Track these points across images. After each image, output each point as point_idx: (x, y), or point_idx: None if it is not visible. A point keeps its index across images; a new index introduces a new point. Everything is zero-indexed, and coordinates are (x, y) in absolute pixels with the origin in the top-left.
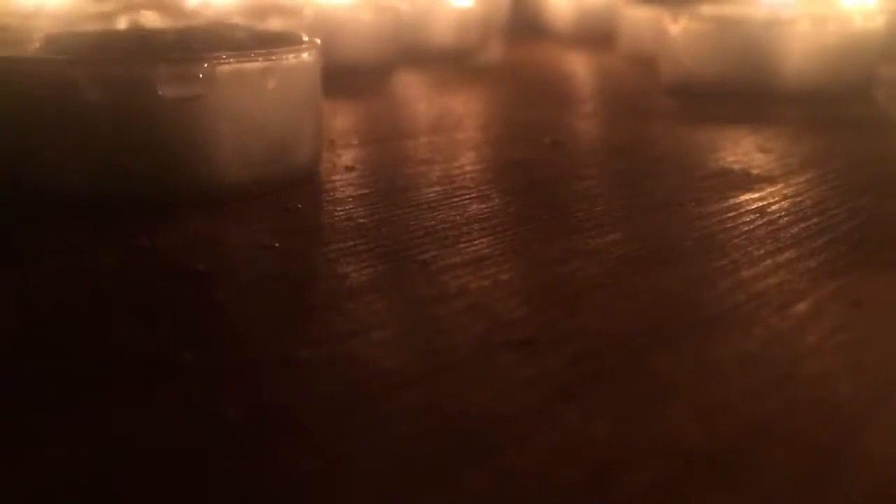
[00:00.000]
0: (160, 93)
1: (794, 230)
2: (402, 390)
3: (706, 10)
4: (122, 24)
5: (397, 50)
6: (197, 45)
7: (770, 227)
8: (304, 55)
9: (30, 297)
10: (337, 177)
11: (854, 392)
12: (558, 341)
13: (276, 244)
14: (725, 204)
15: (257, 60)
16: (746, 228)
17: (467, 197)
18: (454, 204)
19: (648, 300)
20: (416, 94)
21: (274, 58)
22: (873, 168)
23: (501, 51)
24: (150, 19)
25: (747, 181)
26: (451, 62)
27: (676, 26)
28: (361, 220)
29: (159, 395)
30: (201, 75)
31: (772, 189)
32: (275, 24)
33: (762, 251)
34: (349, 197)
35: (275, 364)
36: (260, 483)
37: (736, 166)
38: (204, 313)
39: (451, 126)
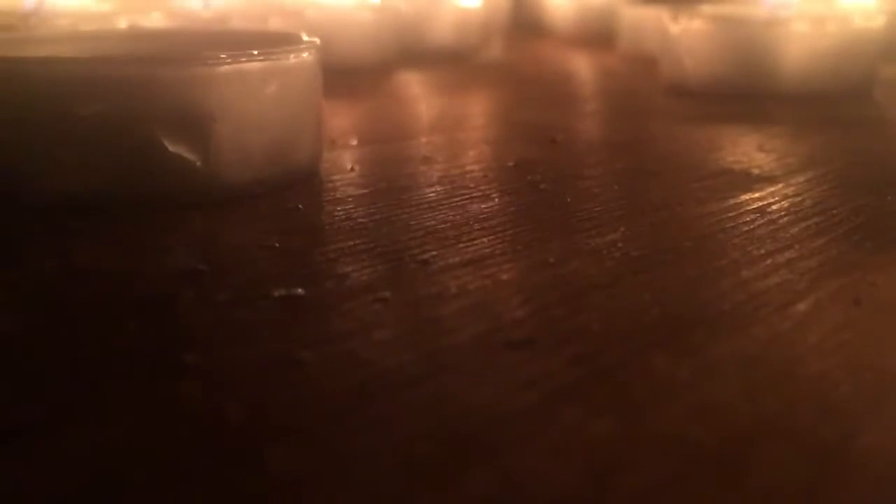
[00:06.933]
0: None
1: (794, 230)
2: (402, 390)
3: (706, 10)
4: (121, 24)
5: (397, 50)
6: (197, 45)
7: (770, 227)
8: (304, 55)
9: (30, 297)
10: (337, 177)
11: (854, 392)
12: (558, 341)
13: (276, 244)
14: (725, 204)
15: (257, 60)
16: (746, 228)
17: (467, 197)
18: (454, 204)
19: (648, 300)
20: (416, 94)
21: (274, 58)
22: (873, 168)
23: (502, 51)
24: (150, 19)
25: (747, 181)
26: (451, 62)
27: (676, 26)
28: (361, 220)
29: (159, 395)
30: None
31: (772, 189)
32: (275, 24)
33: (762, 251)
34: (349, 197)
35: (275, 364)
36: (260, 483)
37: (736, 166)
38: (204, 313)
39: (451, 126)
